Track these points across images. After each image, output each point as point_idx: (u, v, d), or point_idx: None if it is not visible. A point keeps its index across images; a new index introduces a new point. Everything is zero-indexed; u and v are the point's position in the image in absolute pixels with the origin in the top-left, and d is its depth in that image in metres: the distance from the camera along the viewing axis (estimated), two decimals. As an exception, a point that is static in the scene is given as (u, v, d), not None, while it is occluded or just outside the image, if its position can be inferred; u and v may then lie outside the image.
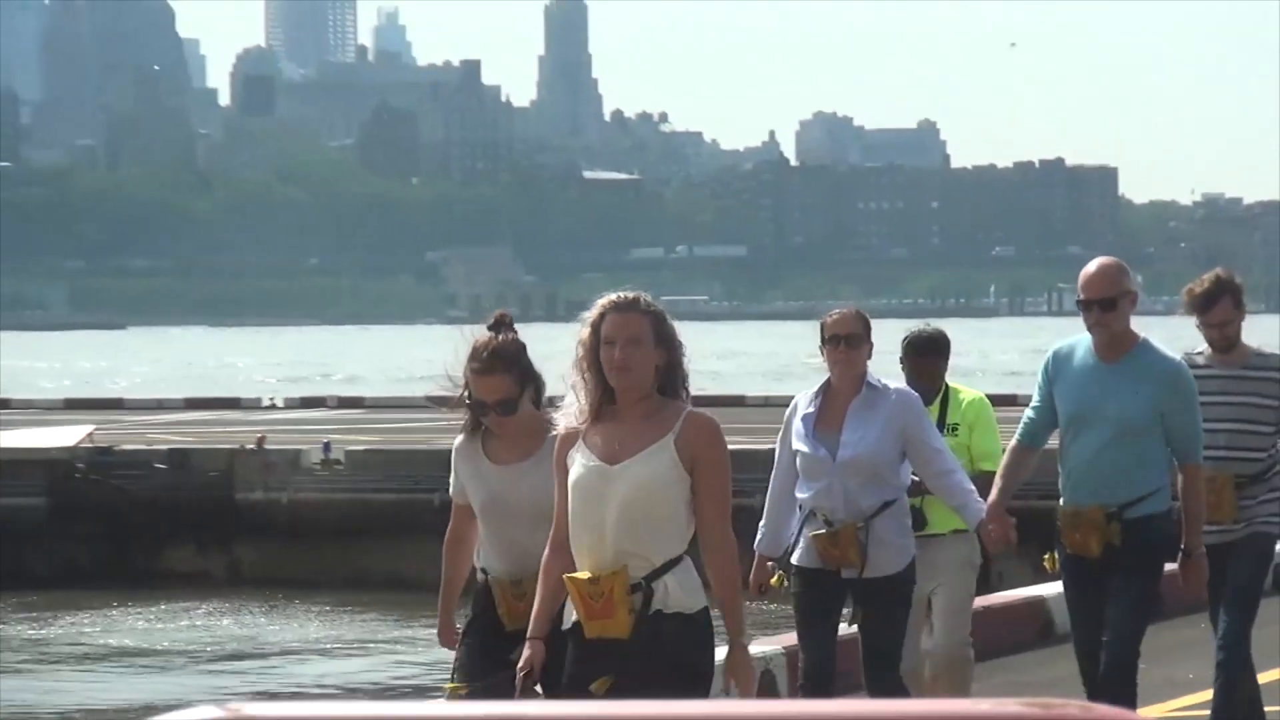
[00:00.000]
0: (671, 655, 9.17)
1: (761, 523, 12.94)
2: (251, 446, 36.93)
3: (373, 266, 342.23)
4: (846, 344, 12.64)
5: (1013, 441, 12.92)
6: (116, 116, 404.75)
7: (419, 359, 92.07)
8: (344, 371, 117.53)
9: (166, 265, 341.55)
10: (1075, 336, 12.63)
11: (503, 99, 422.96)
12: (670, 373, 9.29)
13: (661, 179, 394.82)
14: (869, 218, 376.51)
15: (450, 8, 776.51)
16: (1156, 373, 12.40)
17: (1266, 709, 13.78)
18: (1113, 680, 12.50)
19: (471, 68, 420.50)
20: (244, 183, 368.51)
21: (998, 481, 12.87)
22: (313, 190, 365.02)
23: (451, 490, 10.98)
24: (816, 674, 12.81)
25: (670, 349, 9.31)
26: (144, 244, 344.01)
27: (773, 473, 12.97)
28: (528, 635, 9.34)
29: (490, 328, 10.92)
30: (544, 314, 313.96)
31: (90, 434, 39.63)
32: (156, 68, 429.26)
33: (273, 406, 55.88)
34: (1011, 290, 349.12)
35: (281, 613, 32.79)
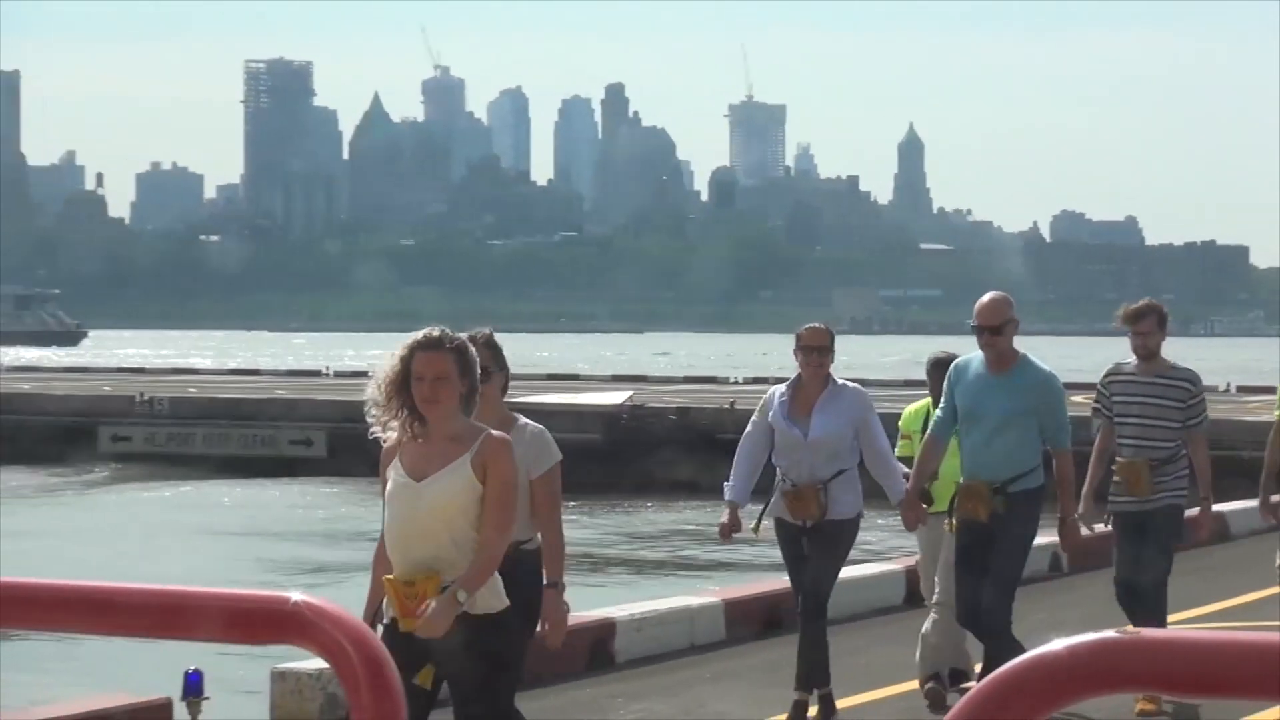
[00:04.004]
0: (479, 648, 6.86)
1: (728, 479, 10.66)
2: (727, 406, 36.19)
3: (788, 299, 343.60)
4: (818, 354, 10.52)
5: (925, 437, 10.70)
6: (639, 206, 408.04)
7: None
8: (775, 360, 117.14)
9: (672, 294, 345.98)
10: (972, 353, 10.52)
11: (872, 199, 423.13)
12: (470, 398, 7.01)
13: (968, 249, 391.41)
14: (1094, 276, 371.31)
15: (842, 144, 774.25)
16: (1030, 380, 10.30)
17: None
18: (993, 615, 10.26)
19: (854, 180, 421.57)
20: (717, 248, 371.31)
21: (914, 471, 10.62)
22: (756, 252, 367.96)
23: None
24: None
25: (471, 378, 7.00)
26: (663, 283, 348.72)
27: (743, 438, 10.72)
28: None
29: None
30: (895, 329, 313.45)
31: (630, 396, 39.09)
32: (664, 177, 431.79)
33: (737, 382, 55.02)
34: (1182, 320, 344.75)
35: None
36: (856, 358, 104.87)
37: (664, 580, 23.64)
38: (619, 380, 53.83)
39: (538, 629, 8.09)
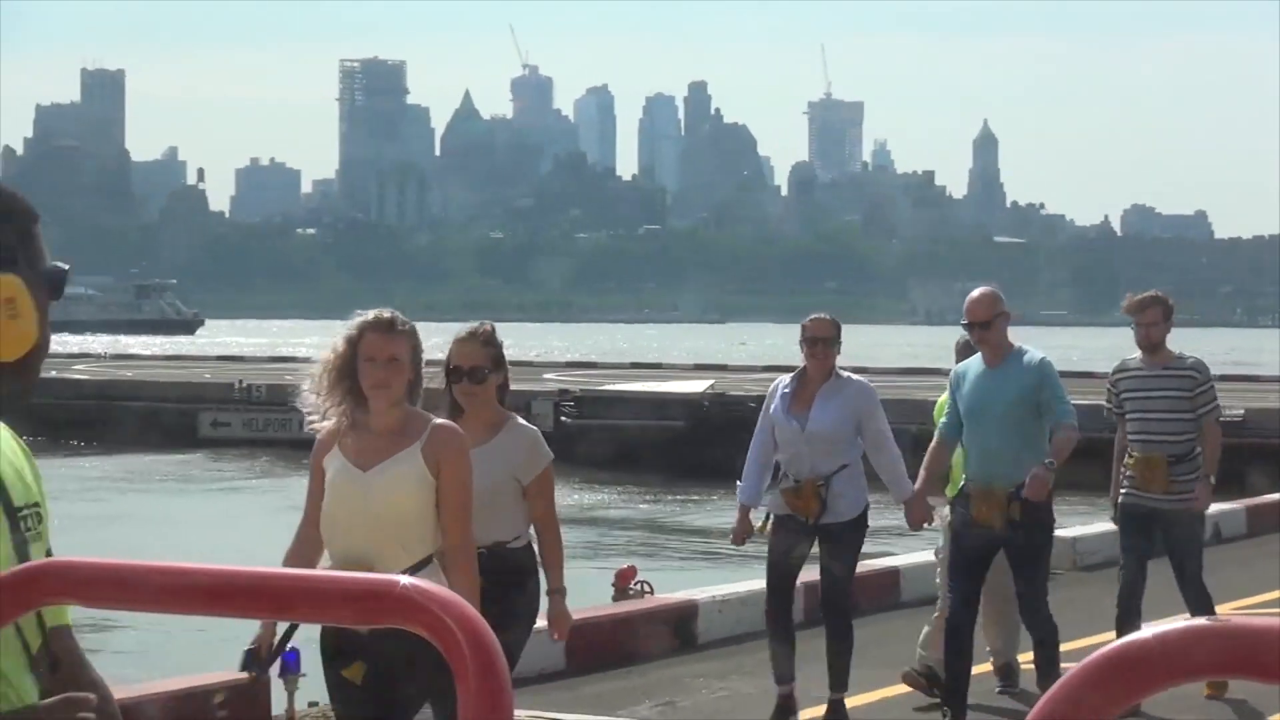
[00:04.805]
0: (410, 647, 5.75)
1: (740, 480, 10.18)
2: (807, 395, 36.01)
3: (865, 291, 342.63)
4: (823, 345, 9.95)
5: (933, 441, 10.16)
6: (720, 200, 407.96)
7: (888, 346, 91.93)
8: (852, 351, 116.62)
9: (752, 286, 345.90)
10: (970, 359, 10.15)
11: (947, 194, 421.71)
12: (416, 384, 6.38)
13: (1040, 242, 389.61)
14: (1164, 267, 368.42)
15: (918, 140, 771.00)
16: (1026, 366, 9.87)
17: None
18: (1036, 624, 10.02)
19: (929, 175, 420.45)
20: (796, 241, 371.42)
21: (922, 472, 10.07)
22: (833, 245, 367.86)
23: None
24: (777, 602, 10.30)
25: (418, 366, 6.37)
26: (743, 274, 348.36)
27: (754, 435, 10.22)
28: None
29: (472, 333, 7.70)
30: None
31: (711, 385, 39.00)
32: (745, 173, 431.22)
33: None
34: (1250, 312, 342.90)
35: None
36: (925, 348, 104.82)
37: (745, 563, 23.55)
38: (701, 369, 53.76)
39: (534, 629, 7.65)
